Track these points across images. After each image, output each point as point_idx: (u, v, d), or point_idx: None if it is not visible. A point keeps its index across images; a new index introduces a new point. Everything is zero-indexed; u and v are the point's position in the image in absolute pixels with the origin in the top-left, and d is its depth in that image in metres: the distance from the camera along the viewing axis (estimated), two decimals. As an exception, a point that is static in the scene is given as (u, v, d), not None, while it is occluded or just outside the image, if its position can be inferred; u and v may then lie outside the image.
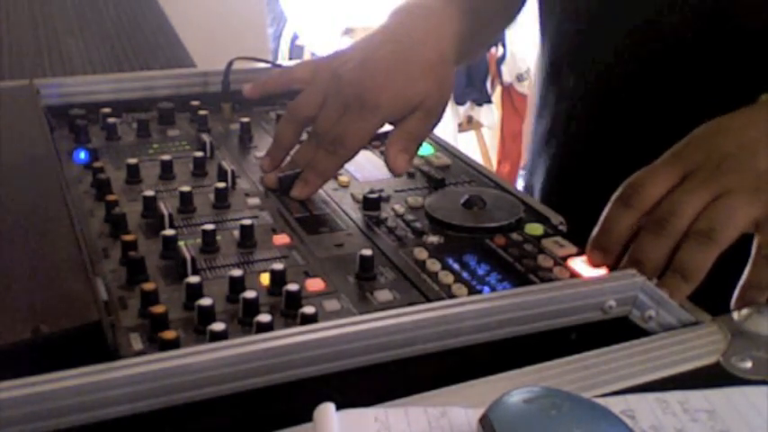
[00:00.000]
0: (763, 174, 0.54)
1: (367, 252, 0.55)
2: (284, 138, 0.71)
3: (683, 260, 0.53)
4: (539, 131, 0.87)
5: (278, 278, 0.53)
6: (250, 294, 0.50)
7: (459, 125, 3.26)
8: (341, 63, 0.69)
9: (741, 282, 0.55)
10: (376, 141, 0.78)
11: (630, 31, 0.73)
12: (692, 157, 0.56)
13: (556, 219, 0.63)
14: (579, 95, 0.80)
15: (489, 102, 3.20)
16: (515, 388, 0.39)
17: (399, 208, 0.65)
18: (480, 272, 0.56)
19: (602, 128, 0.78)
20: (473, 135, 3.34)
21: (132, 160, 0.69)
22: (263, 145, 0.78)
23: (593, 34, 0.77)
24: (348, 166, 0.72)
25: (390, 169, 0.67)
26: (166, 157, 0.70)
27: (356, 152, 0.68)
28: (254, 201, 0.66)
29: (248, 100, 0.85)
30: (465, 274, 0.56)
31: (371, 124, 0.67)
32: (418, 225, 0.62)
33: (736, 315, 0.50)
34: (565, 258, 0.58)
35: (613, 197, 0.57)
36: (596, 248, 0.57)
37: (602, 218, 0.57)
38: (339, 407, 0.39)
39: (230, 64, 0.86)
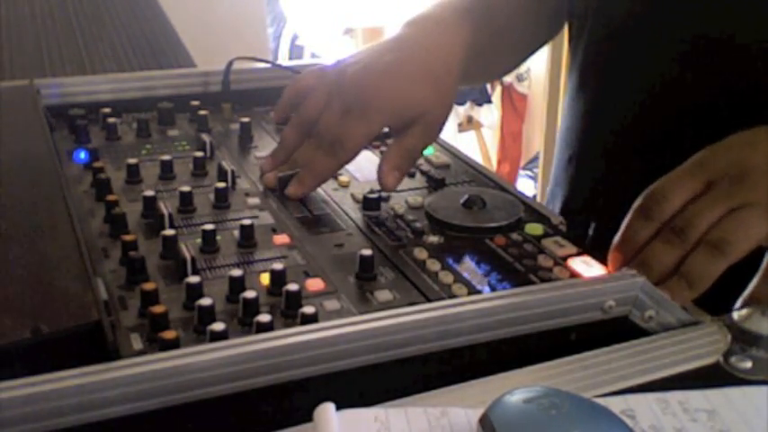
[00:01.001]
0: None
1: (367, 252, 0.55)
2: (288, 140, 0.70)
3: (691, 268, 0.53)
4: (564, 155, 0.86)
5: (278, 278, 0.53)
6: (250, 294, 0.50)
7: (459, 125, 3.26)
8: (345, 66, 0.69)
9: (745, 293, 0.55)
10: (376, 141, 0.78)
11: (658, 54, 0.72)
12: (717, 167, 0.56)
13: (556, 219, 0.63)
14: (605, 117, 0.79)
15: (489, 102, 3.20)
16: (515, 388, 0.39)
17: (399, 208, 0.65)
18: (480, 272, 0.56)
19: (631, 153, 0.77)
20: (473, 135, 3.34)
21: (132, 160, 0.69)
22: (263, 145, 0.78)
23: (622, 55, 0.76)
24: (348, 165, 0.72)
25: (381, 185, 0.67)
26: (166, 157, 0.70)
27: (355, 154, 0.67)
28: (254, 201, 0.66)
29: (248, 100, 0.86)
30: (465, 274, 0.56)
31: (372, 127, 0.66)
32: (418, 225, 0.62)
33: (736, 315, 0.50)
34: (565, 258, 0.58)
35: (635, 205, 0.57)
36: (616, 256, 0.57)
37: (623, 225, 0.57)
38: (339, 407, 0.39)
39: (230, 64, 0.86)
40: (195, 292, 0.51)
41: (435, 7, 0.76)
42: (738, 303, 0.54)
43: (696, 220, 0.54)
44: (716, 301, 0.53)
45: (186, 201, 0.64)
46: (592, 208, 0.80)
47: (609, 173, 0.79)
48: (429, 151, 0.76)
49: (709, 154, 0.57)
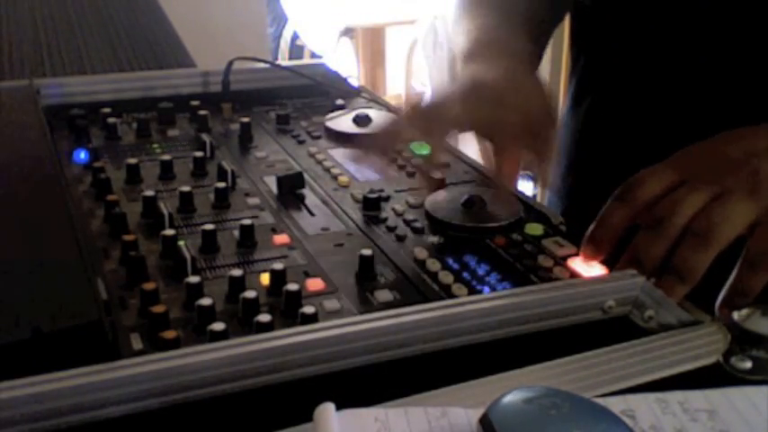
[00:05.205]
0: (764, 179, 0.54)
1: (367, 252, 0.55)
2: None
3: (680, 260, 0.53)
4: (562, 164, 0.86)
5: (278, 278, 0.53)
6: (250, 294, 0.50)
7: (460, 125, 3.25)
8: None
9: (726, 286, 0.55)
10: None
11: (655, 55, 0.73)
12: (696, 162, 0.56)
13: (556, 219, 0.63)
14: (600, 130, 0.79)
15: (489, 102, 3.19)
16: (515, 388, 0.39)
17: (399, 208, 0.65)
18: (480, 272, 0.56)
19: (621, 156, 0.77)
20: (473, 135, 3.33)
21: (132, 160, 0.69)
22: (263, 145, 0.78)
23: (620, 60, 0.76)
24: (348, 165, 0.72)
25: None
26: (166, 157, 0.70)
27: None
28: (254, 201, 0.66)
29: (248, 100, 0.86)
30: (465, 274, 0.56)
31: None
32: (418, 225, 0.62)
33: (736, 315, 0.50)
34: (565, 258, 0.58)
35: (612, 195, 0.57)
36: (590, 242, 0.57)
37: (599, 214, 0.57)
38: (339, 407, 0.39)
39: (230, 64, 0.86)
40: (195, 292, 0.51)
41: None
42: (720, 297, 0.54)
43: (677, 207, 0.54)
44: (714, 301, 0.53)
45: (186, 201, 0.63)
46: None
47: (595, 181, 0.79)
48: (429, 151, 0.76)
49: (688, 149, 0.58)
